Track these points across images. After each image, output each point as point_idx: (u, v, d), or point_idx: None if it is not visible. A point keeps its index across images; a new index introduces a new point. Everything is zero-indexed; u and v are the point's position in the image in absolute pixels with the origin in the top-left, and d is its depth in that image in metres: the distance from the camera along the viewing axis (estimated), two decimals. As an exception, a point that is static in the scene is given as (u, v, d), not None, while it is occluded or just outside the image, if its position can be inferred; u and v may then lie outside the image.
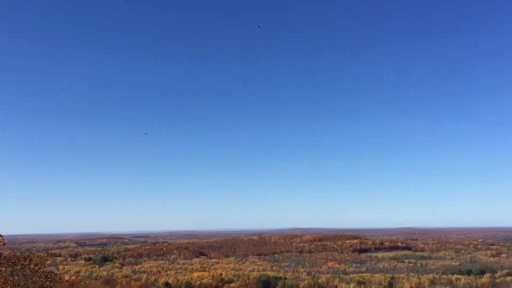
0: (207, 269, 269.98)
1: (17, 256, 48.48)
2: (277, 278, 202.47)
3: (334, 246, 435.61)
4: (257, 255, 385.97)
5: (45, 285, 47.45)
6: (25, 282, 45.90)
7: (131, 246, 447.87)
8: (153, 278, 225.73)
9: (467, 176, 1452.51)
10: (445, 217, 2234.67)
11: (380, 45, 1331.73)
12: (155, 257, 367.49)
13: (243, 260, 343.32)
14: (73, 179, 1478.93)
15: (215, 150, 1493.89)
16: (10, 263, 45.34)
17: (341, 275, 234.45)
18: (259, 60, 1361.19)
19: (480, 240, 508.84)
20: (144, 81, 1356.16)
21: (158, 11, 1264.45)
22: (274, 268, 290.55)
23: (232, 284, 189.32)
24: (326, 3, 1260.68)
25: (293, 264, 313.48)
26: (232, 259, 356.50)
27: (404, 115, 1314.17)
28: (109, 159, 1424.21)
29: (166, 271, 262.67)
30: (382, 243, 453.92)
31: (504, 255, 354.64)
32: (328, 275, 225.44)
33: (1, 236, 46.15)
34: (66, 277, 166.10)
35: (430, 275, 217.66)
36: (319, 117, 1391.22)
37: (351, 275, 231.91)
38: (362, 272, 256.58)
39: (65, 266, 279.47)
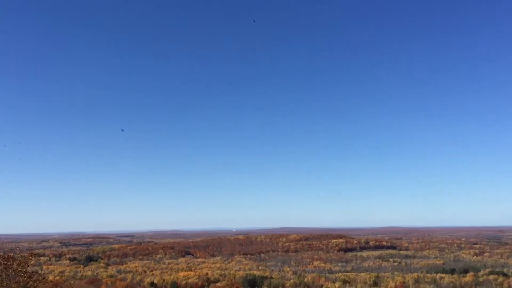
0: (193, 268, 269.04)
1: (0, 256, 47.83)
2: (263, 278, 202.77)
3: (320, 245, 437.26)
4: (243, 254, 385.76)
5: (28, 285, 46.86)
6: (8, 282, 45.31)
7: (117, 246, 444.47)
8: (138, 278, 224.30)
9: (451, 176, 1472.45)
10: (429, 217, 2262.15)
11: (380, 45, 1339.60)
12: (140, 257, 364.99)
13: (229, 260, 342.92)
14: (57, 178, 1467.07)
15: (206, 150, 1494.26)
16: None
17: (327, 274, 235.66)
18: (259, 60, 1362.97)
19: (463, 239, 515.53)
20: (144, 81, 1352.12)
21: (158, 11, 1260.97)
22: (260, 267, 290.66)
23: (218, 284, 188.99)
24: (326, 3, 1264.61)
25: (279, 264, 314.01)
26: (218, 258, 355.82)
27: (404, 115, 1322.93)
28: (95, 158, 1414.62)
29: (152, 271, 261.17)
30: (367, 242, 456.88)
31: (487, 254, 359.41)
32: (314, 274, 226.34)
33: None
34: (50, 277, 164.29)
35: (415, 274, 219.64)
36: (318, 117, 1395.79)
37: (336, 274, 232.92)
38: (347, 271, 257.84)
39: (49, 266, 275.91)
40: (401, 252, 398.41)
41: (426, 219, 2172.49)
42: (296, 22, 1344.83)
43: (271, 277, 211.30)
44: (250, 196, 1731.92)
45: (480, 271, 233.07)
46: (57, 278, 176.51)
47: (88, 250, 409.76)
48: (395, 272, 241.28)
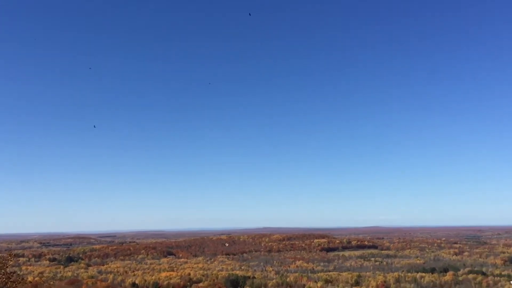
0: (175, 269, 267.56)
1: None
2: (246, 278, 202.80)
3: (303, 245, 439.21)
4: (226, 254, 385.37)
5: (7, 286, 46.12)
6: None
7: (97, 246, 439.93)
8: (119, 278, 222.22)
9: (432, 177, 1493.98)
10: (410, 217, 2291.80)
11: (380, 45, 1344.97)
12: (122, 257, 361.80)
13: (212, 260, 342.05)
14: (36, 178, 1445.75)
15: (197, 150, 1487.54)
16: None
17: (309, 274, 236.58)
18: (259, 60, 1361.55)
19: (443, 239, 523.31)
20: (144, 81, 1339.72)
21: (158, 11, 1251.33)
22: (242, 267, 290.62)
23: (201, 284, 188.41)
24: (326, 3, 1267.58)
25: (262, 263, 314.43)
26: (200, 258, 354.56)
27: (403, 115, 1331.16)
28: (75, 158, 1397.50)
29: (133, 271, 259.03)
30: (349, 242, 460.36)
31: (466, 253, 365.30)
32: (296, 274, 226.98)
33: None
34: (30, 278, 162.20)
35: (396, 273, 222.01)
36: (317, 117, 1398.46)
37: (318, 274, 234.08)
38: (329, 271, 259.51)
39: (29, 267, 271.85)
40: (383, 251, 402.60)
41: (408, 219, 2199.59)
42: (296, 22, 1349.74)
43: (254, 277, 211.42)
44: (233, 196, 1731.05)
45: (459, 270, 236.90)
46: (36, 279, 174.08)
47: (68, 251, 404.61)
48: (377, 272, 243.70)
